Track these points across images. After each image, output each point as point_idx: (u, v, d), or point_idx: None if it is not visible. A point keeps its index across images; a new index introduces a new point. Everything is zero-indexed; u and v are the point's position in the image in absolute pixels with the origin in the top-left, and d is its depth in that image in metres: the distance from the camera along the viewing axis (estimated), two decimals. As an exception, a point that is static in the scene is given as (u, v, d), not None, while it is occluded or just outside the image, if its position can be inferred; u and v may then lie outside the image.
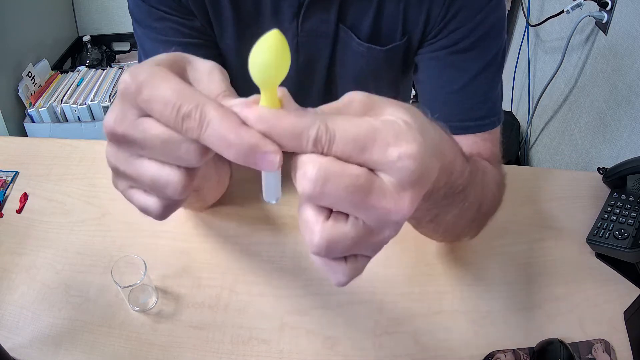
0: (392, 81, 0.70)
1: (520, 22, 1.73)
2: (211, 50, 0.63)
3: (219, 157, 0.27)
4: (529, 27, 1.62)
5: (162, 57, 0.30)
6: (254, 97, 0.27)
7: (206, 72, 0.30)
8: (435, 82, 0.61)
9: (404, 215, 0.27)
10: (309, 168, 0.25)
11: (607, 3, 1.14)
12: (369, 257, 0.31)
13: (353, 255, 0.30)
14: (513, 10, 1.75)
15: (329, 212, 0.27)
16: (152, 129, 0.27)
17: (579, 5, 1.24)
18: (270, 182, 0.28)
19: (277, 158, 0.25)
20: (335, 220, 0.27)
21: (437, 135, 0.33)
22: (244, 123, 0.25)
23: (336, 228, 0.27)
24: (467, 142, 0.61)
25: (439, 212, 0.44)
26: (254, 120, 0.25)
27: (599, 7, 1.17)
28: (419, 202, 0.28)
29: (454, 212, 0.46)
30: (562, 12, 1.30)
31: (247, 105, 0.26)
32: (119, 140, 0.28)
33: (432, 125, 0.33)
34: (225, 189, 0.68)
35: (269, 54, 0.24)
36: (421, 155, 0.27)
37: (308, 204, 0.27)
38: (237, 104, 0.26)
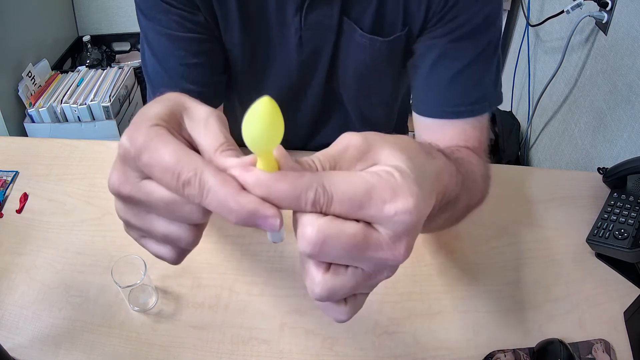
0: (393, 74, 0.71)
1: (520, 22, 1.73)
2: (213, 45, 0.64)
3: None
4: (529, 27, 1.62)
5: (159, 110, 0.30)
6: (250, 157, 0.27)
7: (203, 120, 0.30)
8: (430, 68, 0.63)
9: (400, 261, 0.29)
10: (307, 230, 0.26)
11: (607, 3, 1.13)
12: (366, 295, 0.32)
13: (353, 295, 0.31)
14: (513, 10, 1.75)
15: (329, 263, 0.29)
16: (155, 192, 0.28)
17: (579, 5, 1.23)
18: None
19: (277, 221, 0.26)
20: (334, 272, 0.28)
21: (434, 169, 0.35)
22: (243, 188, 0.26)
23: (336, 279, 0.28)
24: (456, 131, 0.63)
25: (431, 219, 0.46)
26: (252, 185, 0.26)
27: (599, 7, 1.17)
28: (413, 243, 0.30)
29: (446, 216, 0.47)
30: (562, 12, 1.30)
31: (245, 169, 0.27)
32: (126, 200, 0.30)
33: (429, 160, 0.34)
34: None
35: (261, 124, 0.24)
36: (417, 208, 0.28)
37: (311, 263, 0.29)
38: (234, 165, 0.27)
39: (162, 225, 0.30)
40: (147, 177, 0.28)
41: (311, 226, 0.26)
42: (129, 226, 0.32)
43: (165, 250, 0.32)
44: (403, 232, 0.28)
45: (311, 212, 0.27)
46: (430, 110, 0.64)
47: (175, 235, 0.30)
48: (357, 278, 0.29)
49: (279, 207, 0.26)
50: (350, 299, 0.31)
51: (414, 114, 0.67)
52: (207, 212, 0.28)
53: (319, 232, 0.26)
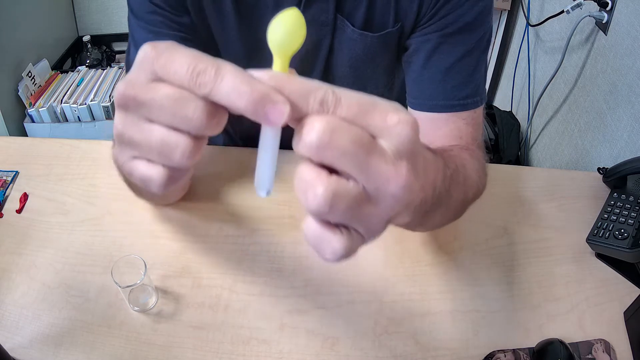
0: (386, 67, 0.72)
1: (520, 22, 1.73)
2: (197, 47, 0.65)
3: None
4: (529, 27, 1.62)
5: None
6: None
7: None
8: (423, 63, 0.64)
9: (401, 186, 0.28)
10: (316, 121, 0.26)
11: (607, 3, 1.13)
12: (362, 238, 0.30)
13: (347, 229, 0.29)
14: (513, 10, 1.75)
15: (330, 170, 0.28)
16: (163, 89, 0.28)
17: (579, 5, 1.23)
18: (264, 170, 0.29)
19: (286, 108, 0.26)
20: (338, 177, 0.28)
21: (423, 150, 0.35)
22: (258, 80, 0.27)
23: (340, 182, 0.27)
24: (450, 127, 0.64)
25: (428, 217, 0.46)
26: (266, 78, 0.27)
27: (599, 7, 1.17)
28: (413, 181, 0.29)
29: (441, 212, 0.48)
30: (562, 12, 1.30)
31: (259, 70, 0.28)
32: (129, 104, 0.29)
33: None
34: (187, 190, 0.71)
35: (289, 25, 0.28)
36: (416, 126, 0.28)
37: (308, 164, 0.28)
38: (250, 70, 0.28)
39: (160, 132, 0.29)
40: (158, 79, 0.28)
41: (320, 118, 0.26)
42: (122, 143, 0.31)
43: (155, 170, 0.31)
44: (405, 150, 0.28)
45: (318, 113, 0.27)
46: (423, 105, 0.65)
47: (172, 142, 0.29)
48: (358, 191, 0.28)
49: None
50: (346, 231, 0.29)
51: (409, 110, 0.68)
52: (210, 114, 0.28)
53: (329, 123, 0.26)
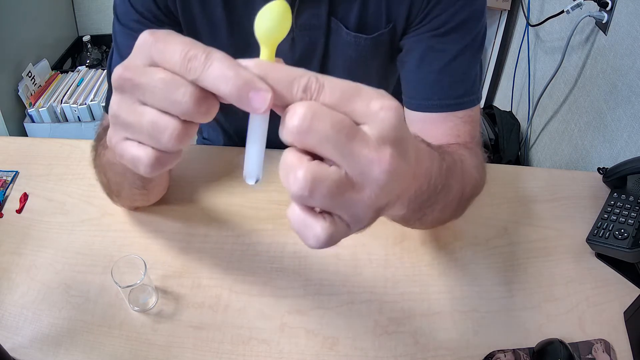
0: (380, 68, 0.73)
1: (520, 22, 1.73)
2: None
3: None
4: (529, 27, 1.62)
5: None
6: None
7: None
8: (417, 63, 0.65)
9: (384, 171, 0.28)
10: (298, 107, 0.27)
11: (607, 3, 1.13)
12: (347, 225, 0.30)
13: (330, 215, 0.30)
14: (513, 10, 1.75)
15: (313, 158, 0.28)
16: (157, 73, 0.29)
17: (579, 5, 1.23)
18: (252, 158, 0.30)
19: (268, 95, 0.27)
20: (319, 162, 0.28)
21: (412, 138, 0.35)
22: (244, 67, 0.28)
23: (321, 167, 0.28)
24: (447, 125, 0.64)
25: (425, 211, 0.47)
26: (252, 66, 0.28)
27: (599, 7, 1.17)
28: (397, 166, 0.29)
29: (440, 207, 0.48)
30: (562, 12, 1.30)
31: (246, 59, 0.29)
32: (125, 85, 0.30)
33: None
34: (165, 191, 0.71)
35: (274, 15, 0.29)
36: (400, 112, 0.29)
37: (290, 149, 0.28)
38: (238, 60, 0.29)
39: (151, 114, 0.30)
40: (154, 64, 0.30)
41: (302, 104, 0.27)
42: (116, 124, 0.32)
43: (145, 151, 0.31)
44: (388, 136, 0.28)
45: (301, 99, 0.28)
46: (419, 105, 0.66)
47: (162, 124, 0.30)
48: (340, 176, 0.28)
49: (272, 90, 0.28)
50: (329, 217, 0.29)
51: (406, 111, 0.68)
52: (198, 99, 0.29)
53: (310, 107, 0.27)
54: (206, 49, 0.28)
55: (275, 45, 0.30)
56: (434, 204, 0.45)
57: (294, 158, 0.28)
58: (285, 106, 0.28)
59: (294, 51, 0.67)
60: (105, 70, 0.66)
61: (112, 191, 0.65)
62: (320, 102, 0.27)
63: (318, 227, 0.29)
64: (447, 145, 0.60)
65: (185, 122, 0.30)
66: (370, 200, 0.29)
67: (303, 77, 0.28)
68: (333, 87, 0.28)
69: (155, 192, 0.67)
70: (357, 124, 0.28)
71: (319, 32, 0.65)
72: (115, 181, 0.62)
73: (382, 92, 0.29)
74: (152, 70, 0.29)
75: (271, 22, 0.29)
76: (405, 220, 0.54)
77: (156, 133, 0.30)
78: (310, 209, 0.29)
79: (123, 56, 0.64)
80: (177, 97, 0.28)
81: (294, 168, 0.27)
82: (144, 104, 0.30)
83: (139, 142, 0.32)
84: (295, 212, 0.29)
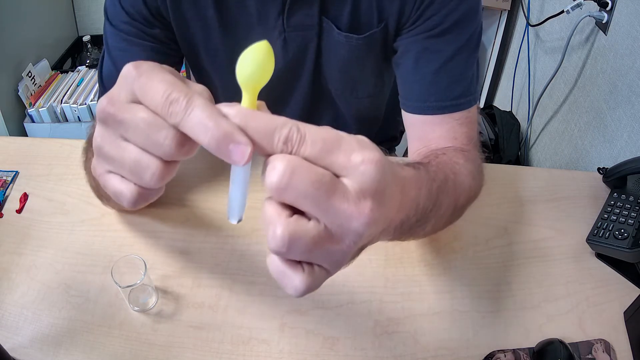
0: (374, 68, 0.73)
1: (520, 22, 1.73)
2: (167, 58, 0.68)
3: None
4: (529, 27, 1.62)
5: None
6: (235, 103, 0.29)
7: (198, 90, 0.31)
8: (412, 64, 0.64)
9: (363, 223, 0.28)
10: (278, 162, 0.27)
11: (607, 3, 1.13)
12: (327, 271, 0.31)
13: (310, 264, 0.30)
14: (513, 10, 1.75)
15: (292, 212, 0.28)
16: (139, 112, 0.29)
17: (579, 5, 1.23)
18: (235, 198, 0.30)
19: (248, 150, 0.27)
20: (298, 218, 0.28)
21: (398, 172, 0.35)
22: (224, 116, 0.28)
23: (299, 224, 0.28)
24: (444, 128, 0.64)
25: (415, 230, 0.46)
26: (232, 114, 0.28)
27: (599, 7, 1.17)
28: (378, 216, 0.29)
29: (431, 223, 0.48)
30: (562, 12, 1.30)
31: (228, 105, 0.28)
32: (108, 120, 0.31)
33: (395, 167, 0.34)
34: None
35: (255, 60, 0.28)
36: (382, 164, 0.28)
37: (272, 202, 0.28)
38: (219, 105, 0.29)
39: (134, 152, 0.30)
40: (136, 101, 0.30)
41: (282, 158, 0.27)
42: (100, 156, 0.33)
43: (127, 187, 0.32)
44: (368, 189, 0.28)
45: (282, 151, 0.27)
46: (416, 107, 0.65)
47: (144, 163, 0.30)
48: (319, 231, 0.28)
49: (253, 142, 0.27)
50: (308, 268, 0.30)
51: (403, 113, 0.68)
52: (180, 143, 0.29)
53: (289, 163, 0.27)
54: (188, 93, 0.28)
55: (257, 90, 0.29)
56: (425, 223, 0.45)
57: (273, 212, 0.28)
58: (267, 155, 0.28)
59: (287, 52, 0.67)
60: (97, 73, 0.67)
61: (102, 194, 0.65)
62: (300, 155, 0.27)
63: (297, 280, 0.30)
64: (443, 152, 0.59)
65: (167, 162, 0.30)
66: (349, 248, 0.30)
67: (284, 127, 0.27)
68: (314, 138, 0.28)
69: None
70: (338, 176, 0.28)
71: (311, 33, 0.65)
72: (100, 196, 0.62)
73: (364, 142, 0.29)
74: (135, 109, 0.29)
75: (252, 68, 0.28)
76: (395, 240, 0.54)
77: (138, 171, 0.30)
78: (289, 260, 0.30)
79: (114, 58, 0.64)
80: (158, 140, 0.29)
81: (273, 224, 0.28)
82: (127, 140, 0.30)
83: (122, 176, 0.32)
84: (274, 262, 0.30)
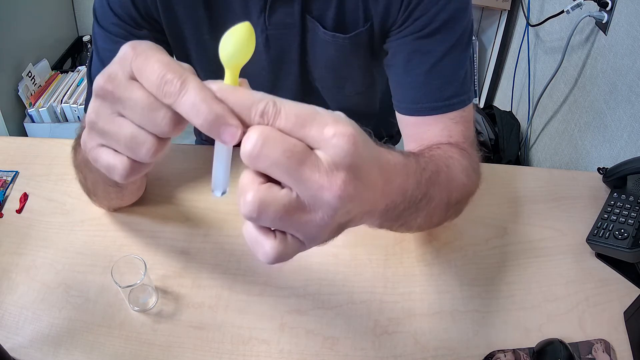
0: (362, 65, 0.72)
1: (520, 22, 1.73)
2: None
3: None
4: (529, 27, 1.62)
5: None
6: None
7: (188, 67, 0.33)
8: (403, 66, 0.64)
9: (335, 196, 0.29)
10: (251, 132, 0.28)
11: (607, 3, 1.13)
12: (301, 243, 0.32)
13: (282, 232, 0.31)
14: (513, 10, 1.75)
15: (267, 181, 0.29)
16: (137, 90, 0.30)
17: (579, 5, 1.23)
18: (218, 173, 0.32)
19: (238, 132, 0.29)
20: (270, 185, 0.29)
21: (380, 152, 0.36)
22: (217, 98, 0.29)
23: (270, 191, 0.29)
24: (438, 127, 0.63)
25: (405, 220, 0.46)
26: (215, 90, 0.29)
27: (599, 7, 1.17)
28: (353, 192, 0.30)
29: (422, 215, 0.48)
30: (562, 12, 1.30)
31: (211, 82, 0.30)
32: (107, 96, 0.32)
33: (376, 147, 0.35)
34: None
35: (237, 40, 0.30)
36: (355, 138, 0.29)
37: (248, 170, 0.30)
38: (206, 81, 0.30)
39: (130, 128, 0.31)
40: (134, 79, 0.31)
41: (255, 129, 0.28)
42: (92, 130, 0.34)
43: (121, 160, 0.33)
44: (340, 161, 0.29)
45: (259, 123, 0.29)
46: (409, 109, 0.65)
47: (140, 139, 0.31)
48: (290, 199, 0.29)
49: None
50: (280, 236, 0.31)
51: (397, 114, 0.68)
52: (175, 123, 0.30)
53: (262, 133, 0.28)
54: (182, 74, 0.29)
55: (238, 69, 0.31)
56: (415, 212, 0.45)
57: (247, 180, 0.29)
58: (246, 128, 0.29)
59: (269, 49, 0.67)
60: (86, 73, 0.67)
61: (90, 190, 0.65)
62: (275, 127, 0.28)
63: (267, 246, 0.31)
64: (437, 147, 0.59)
65: (162, 138, 0.32)
66: (323, 221, 0.30)
67: (261, 101, 0.29)
68: (289, 112, 0.29)
69: (130, 191, 0.67)
70: (312, 148, 0.29)
71: (293, 31, 0.65)
72: (92, 179, 0.62)
73: (338, 116, 0.30)
74: (133, 87, 0.31)
75: (233, 47, 0.30)
76: (386, 228, 0.53)
77: (134, 146, 0.32)
78: (262, 227, 0.31)
79: (103, 60, 0.64)
80: (156, 120, 0.30)
81: (245, 190, 0.29)
82: (123, 116, 0.32)
83: (115, 150, 0.33)
84: (248, 229, 0.31)
